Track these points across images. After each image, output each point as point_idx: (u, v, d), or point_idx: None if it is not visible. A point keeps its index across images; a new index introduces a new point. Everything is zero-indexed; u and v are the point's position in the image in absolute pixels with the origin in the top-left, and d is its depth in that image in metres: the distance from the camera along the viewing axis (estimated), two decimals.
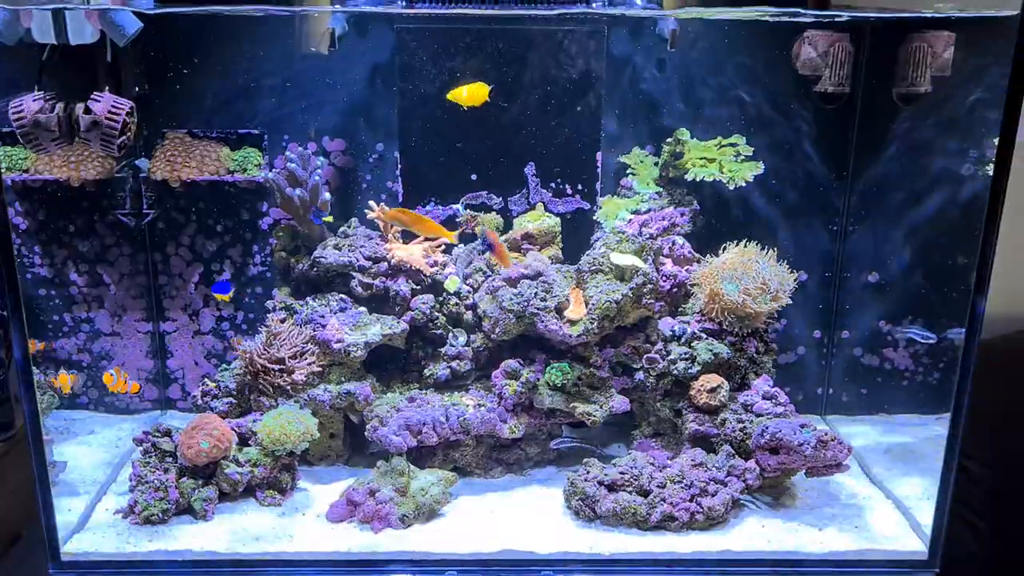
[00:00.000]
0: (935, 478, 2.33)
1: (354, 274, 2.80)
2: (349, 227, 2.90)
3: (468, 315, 2.83)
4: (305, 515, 2.53)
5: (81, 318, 3.04)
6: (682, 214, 2.89)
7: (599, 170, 2.93)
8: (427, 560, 2.35)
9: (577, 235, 2.95)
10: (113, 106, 2.49)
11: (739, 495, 2.51)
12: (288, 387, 2.66)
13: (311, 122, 2.90)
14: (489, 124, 2.84)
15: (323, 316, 2.74)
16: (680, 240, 2.85)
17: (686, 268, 2.82)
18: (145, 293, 3.04)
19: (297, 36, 2.80)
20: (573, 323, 2.65)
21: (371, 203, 2.87)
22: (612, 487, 2.50)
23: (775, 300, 2.69)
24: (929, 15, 2.65)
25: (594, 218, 2.94)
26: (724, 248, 2.80)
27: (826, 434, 2.48)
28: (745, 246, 2.78)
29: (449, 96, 2.62)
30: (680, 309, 2.84)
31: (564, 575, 2.33)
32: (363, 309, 2.79)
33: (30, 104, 2.42)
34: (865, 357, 3.16)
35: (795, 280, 2.74)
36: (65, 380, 2.84)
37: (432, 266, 2.82)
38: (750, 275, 2.67)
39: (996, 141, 2.07)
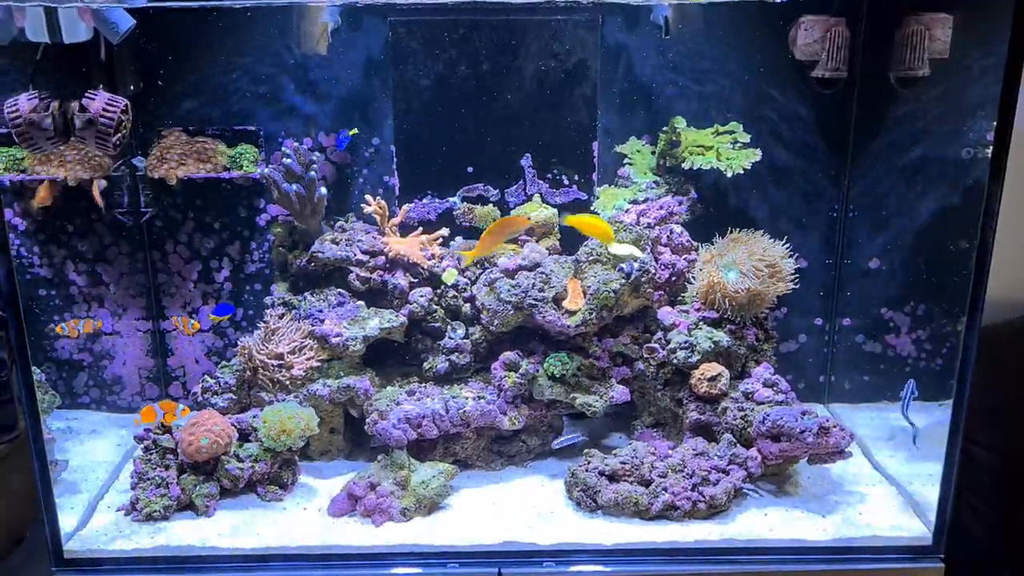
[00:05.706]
0: (939, 464, 2.32)
1: (352, 268, 2.79)
2: (346, 221, 2.90)
3: (466, 307, 2.82)
4: (306, 510, 2.53)
5: (81, 317, 3.05)
6: (680, 203, 2.88)
7: (596, 160, 2.91)
8: (429, 552, 2.35)
9: None
10: (108, 104, 2.49)
11: (741, 483, 2.50)
12: (287, 382, 2.67)
13: (307, 117, 2.89)
14: (485, 116, 2.83)
15: (321, 311, 2.73)
16: (678, 228, 2.83)
17: (684, 257, 2.81)
18: (144, 292, 3.04)
19: (291, 31, 2.79)
20: (572, 314, 2.64)
21: (367, 197, 2.86)
22: (613, 477, 2.49)
23: (778, 281, 2.67)
24: None
25: (592, 208, 2.93)
26: (727, 234, 2.80)
27: (828, 421, 2.47)
28: (751, 234, 2.77)
29: None
30: (679, 298, 2.83)
31: (566, 566, 2.33)
32: (361, 303, 2.79)
33: (24, 104, 2.42)
34: (867, 344, 3.14)
35: (791, 258, 2.73)
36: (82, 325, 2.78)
37: (429, 259, 2.82)
38: (752, 259, 2.66)
39: (995, 124, 2.06)
